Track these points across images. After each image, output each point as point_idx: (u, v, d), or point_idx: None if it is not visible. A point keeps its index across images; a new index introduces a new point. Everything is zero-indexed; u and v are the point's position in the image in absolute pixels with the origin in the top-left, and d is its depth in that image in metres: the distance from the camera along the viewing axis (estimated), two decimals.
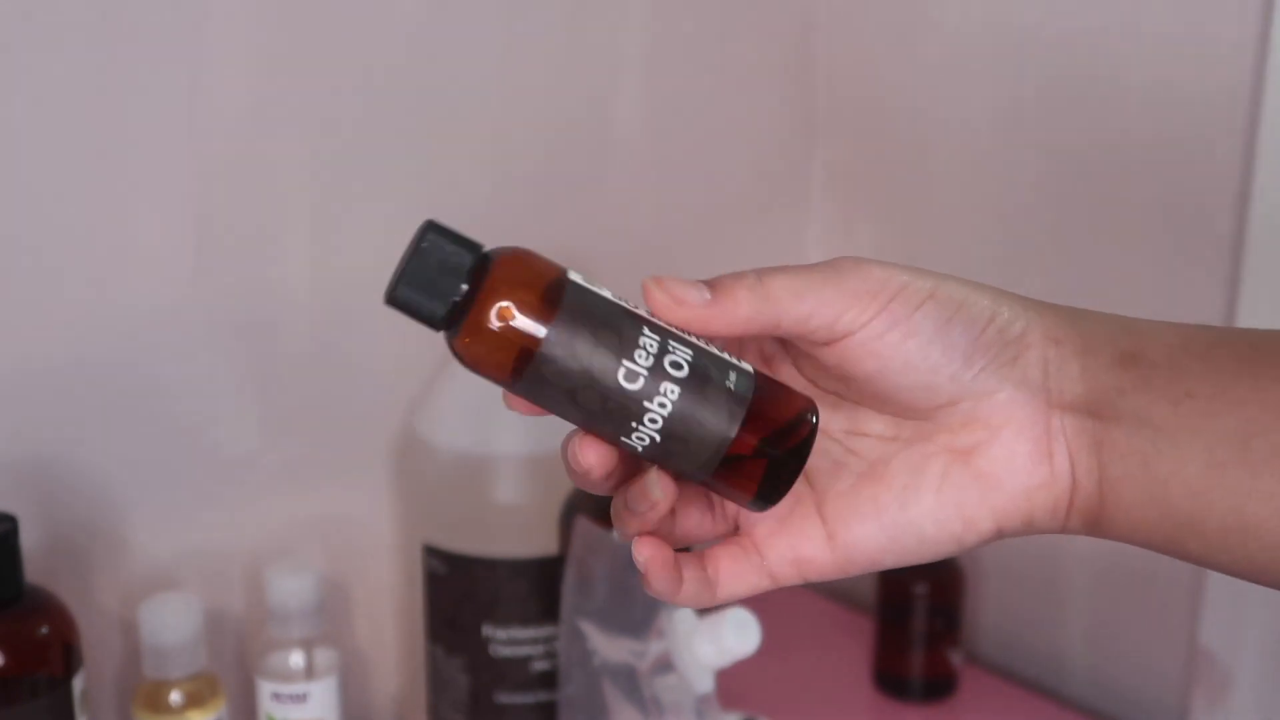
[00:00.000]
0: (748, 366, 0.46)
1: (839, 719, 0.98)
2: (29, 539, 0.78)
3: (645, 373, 0.44)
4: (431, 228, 0.45)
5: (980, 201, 1.01)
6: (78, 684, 0.75)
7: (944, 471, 0.48)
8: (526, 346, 0.44)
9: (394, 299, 0.44)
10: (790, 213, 1.12)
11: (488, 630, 0.87)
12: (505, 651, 0.87)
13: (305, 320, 0.89)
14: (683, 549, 0.49)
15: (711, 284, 0.46)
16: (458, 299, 0.44)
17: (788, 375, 0.50)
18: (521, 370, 0.44)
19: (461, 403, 0.88)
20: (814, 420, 0.46)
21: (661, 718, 0.79)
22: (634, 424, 0.44)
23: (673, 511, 0.48)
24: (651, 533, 0.47)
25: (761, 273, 0.46)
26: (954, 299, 0.46)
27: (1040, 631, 1.02)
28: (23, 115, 0.78)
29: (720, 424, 0.45)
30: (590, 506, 0.83)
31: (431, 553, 0.88)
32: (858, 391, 0.48)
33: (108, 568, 0.85)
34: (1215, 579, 0.90)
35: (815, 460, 0.49)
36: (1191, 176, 0.89)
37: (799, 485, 0.49)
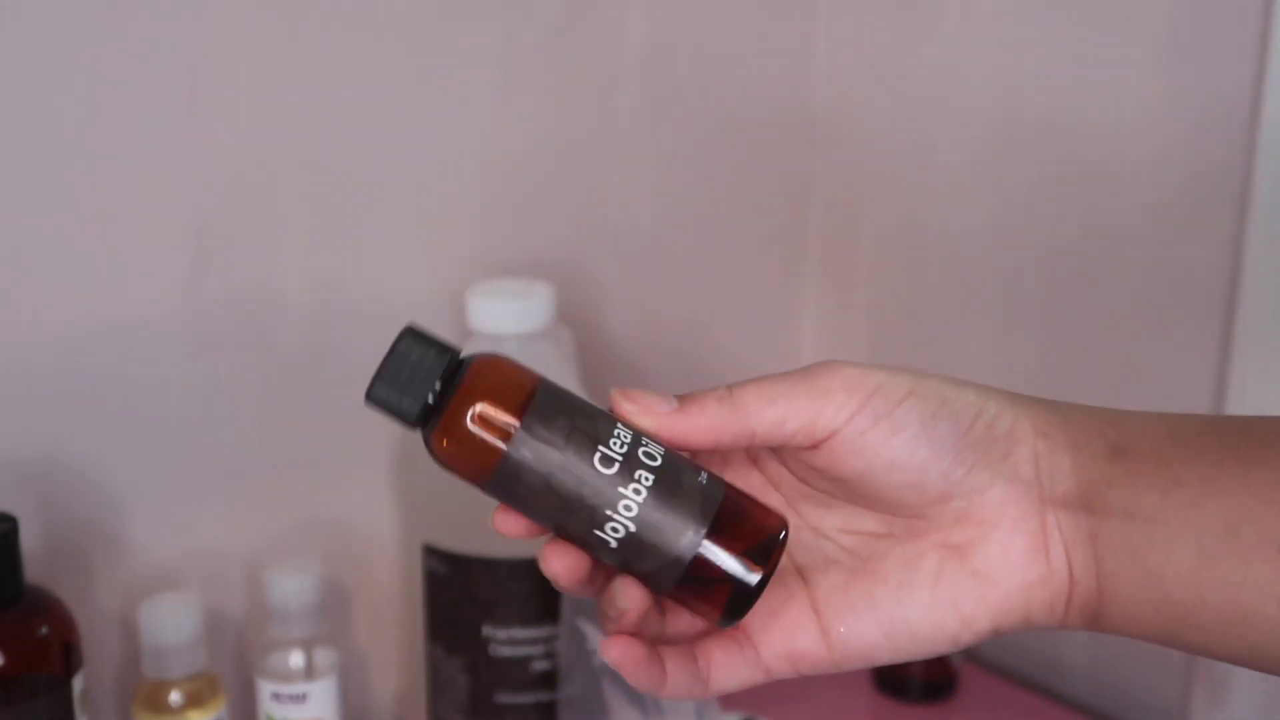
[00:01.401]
0: (719, 476, 0.47)
1: (839, 719, 0.98)
2: (29, 539, 0.78)
3: (620, 458, 0.45)
4: (409, 332, 0.47)
5: (980, 210, 1.01)
6: (78, 684, 0.75)
7: (938, 569, 0.47)
8: (498, 448, 0.45)
9: (371, 397, 0.47)
10: (790, 211, 1.12)
11: (488, 630, 0.87)
12: (505, 651, 0.87)
13: (305, 320, 0.89)
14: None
15: (681, 396, 0.46)
16: (431, 400, 0.46)
17: (775, 474, 0.50)
18: (495, 468, 0.46)
19: None
20: (785, 532, 0.46)
21: (661, 718, 0.79)
22: (607, 513, 0.45)
23: (663, 611, 0.48)
24: (632, 632, 0.46)
25: (731, 385, 0.46)
26: (936, 394, 0.46)
27: (1040, 632, 1.02)
28: (22, 115, 0.78)
29: (690, 524, 0.45)
30: None
31: (431, 553, 0.88)
32: (848, 492, 0.48)
33: (108, 568, 0.85)
34: None
35: (807, 556, 0.49)
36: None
37: (791, 580, 0.49)
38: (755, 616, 0.48)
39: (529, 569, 0.86)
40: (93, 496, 0.84)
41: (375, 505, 0.94)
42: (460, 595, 0.87)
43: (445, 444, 0.46)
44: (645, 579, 0.46)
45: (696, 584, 0.46)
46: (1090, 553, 0.46)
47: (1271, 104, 0.81)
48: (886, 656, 0.48)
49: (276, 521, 0.91)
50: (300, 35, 0.86)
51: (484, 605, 0.86)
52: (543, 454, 0.45)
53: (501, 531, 0.47)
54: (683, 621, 0.49)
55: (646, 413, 0.46)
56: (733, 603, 0.46)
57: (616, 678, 0.80)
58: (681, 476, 0.45)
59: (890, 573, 0.48)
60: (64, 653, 0.74)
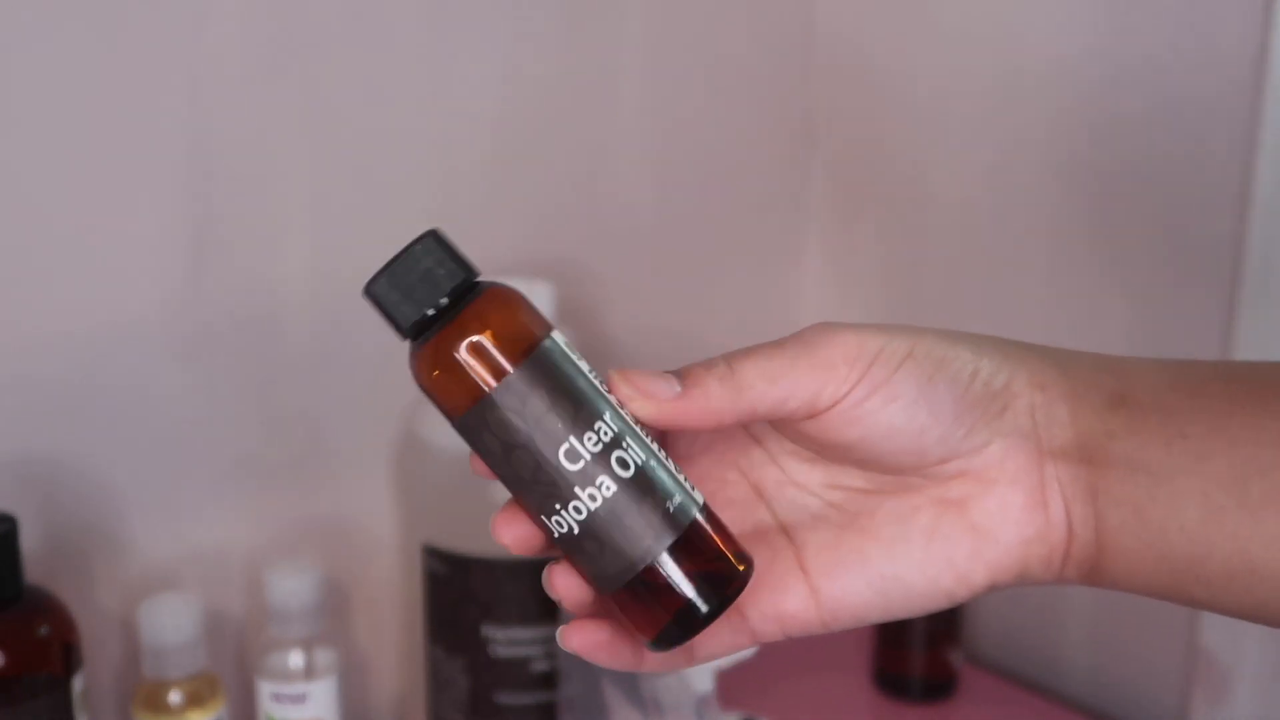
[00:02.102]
0: (698, 498, 0.44)
1: (839, 719, 0.98)
2: (29, 539, 0.78)
3: (588, 458, 0.42)
4: (432, 235, 0.43)
5: (979, 203, 1.01)
6: (77, 684, 0.75)
7: (933, 525, 0.46)
8: (482, 386, 0.42)
9: (370, 291, 0.43)
10: (790, 212, 1.12)
11: (488, 631, 0.87)
12: (505, 652, 0.87)
13: (305, 320, 0.89)
14: None
15: (682, 374, 0.44)
16: (432, 313, 0.43)
17: (759, 430, 0.48)
18: (467, 408, 0.43)
19: None
20: (747, 577, 0.44)
21: (661, 718, 0.79)
22: (558, 506, 0.43)
23: None
24: (591, 614, 0.45)
25: (731, 360, 0.44)
26: (933, 356, 0.45)
27: (1040, 631, 1.02)
28: (22, 116, 0.78)
29: (643, 542, 0.42)
30: None
31: (431, 553, 0.88)
32: (841, 456, 0.47)
33: (108, 568, 0.85)
34: None
35: (793, 513, 0.48)
36: (1191, 193, 0.88)
37: (777, 539, 0.47)
38: None
39: (529, 569, 0.86)
40: (93, 496, 0.84)
41: (375, 505, 0.94)
42: (460, 595, 0.87)
43: (429, 364, 0.43)
44: (587, 572, 0.44)
45: (638, 597, 0.43)
46: (1090, 506, 0.45)
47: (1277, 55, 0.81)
48: (878, 614, 0.47)
49: (276, 521, 0.91)
50: (300, 35, 0.86)
51: (484, 605, 0.86)
52: (512, 419, 0.42)
53: (473, 468, 0.44)
54: None
55: (647, 399, 0.44)
56: (671, 628, 0.43)
57: (616, 678, 0.80)
58: (667, 472, 0.43)
59: (882, 529, 0.46)
60: (64, 653, 0.74)
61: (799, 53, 1.09)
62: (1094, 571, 0.46)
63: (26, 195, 0.80)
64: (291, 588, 0.82)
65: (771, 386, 0.44)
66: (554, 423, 0.42)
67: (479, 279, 0.44)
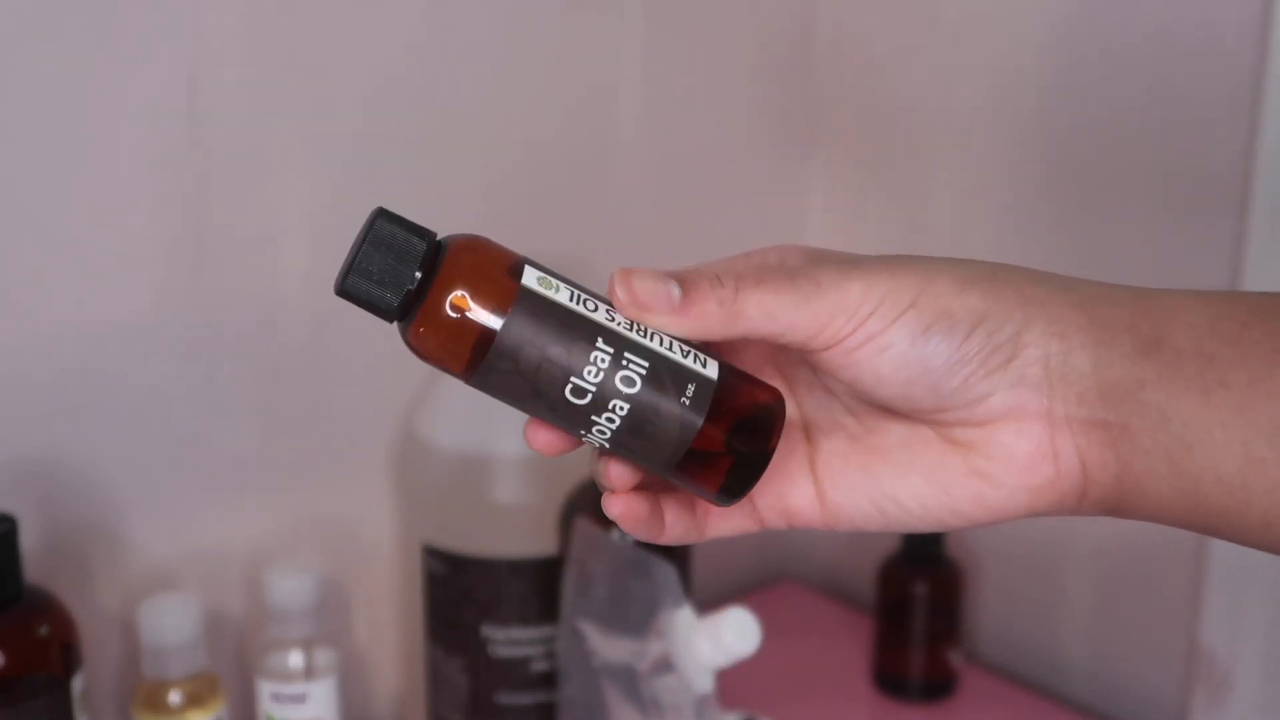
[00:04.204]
0: (711, 366, 0.45)
1: (839, 719, 0.98)
2: (29, 539, 0.78)
3: (594, 389, 0.43)
4: (382, 214, 0.44)
5: (981, 175, 1.01)
6: (77, 684, 0.75)
7: (939, 460, 0.47)
8: (482, 336, 0.43)
9: (344, 290, 0.43)
10: (790, 212, 1.12)
11: (487, 630, 0.87)
12: (505, 652, 0.87)
13: (305, 320, 0.89)
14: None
15: (683, 282, 0.45)
16: (411, 288, 0.43)
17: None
18: (476, 362, 0.43)
19: (461, 403, 0.88)
20: (781, 415, 0.46)
21: (661, 718, 0.79)
22: (583, 432, 0.44)
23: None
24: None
25: (740, 285, 0.45)
26: (936, 306, 0.44)
27: (1040, 631, 1.02)
28: (22, 115, 0.78)
29: (675, 432, 0.44)
30: (590, 506, 0.83)
31: (431, 553, 0.88)
32: (845, 390, 0.48)
33: (108, 568, 0.85)
34: (1215, 579, 0.90)
35: (817, 413, 0.49)
36: (1195, 144, 0.88)
37: (796, 434, 0.49)
38: None
39: (529, 569, 0.86)
40: (93, 496, 0.84)
41: (375, 505, 0.94)
42: (460, 595, 0.87)
43: (424, 334, 0.43)
44: (638, 467, 0.45)
45: (693, 468, 0.45)
46: (1112, 452, 0.44)
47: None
48: (876, 527, 0.48)
49: (276, 521, 0.91)
50: (299, 36, 0.86)
51: (483, 605, 0.86)
52: (526, 350, 0.42)
53: (528, 438, 0.46)
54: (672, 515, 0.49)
55: (642, 310, 0.44)
56: (731, 482, 0.45)
57: (616, 678, 0.80)
58: (672, 369, 0.44)
59: (891, 451, 0.48)
60: (64, 653, 0.74)
61: (799, 53, 1.09)
62: (1115, 508, 0.46)
63: (26, 195, 0.79)
64: (291, 588, 0.82)
65: (769, 321, 0.44)
66: (551, 367, 0.43)
67: (439, 238, 0.44)
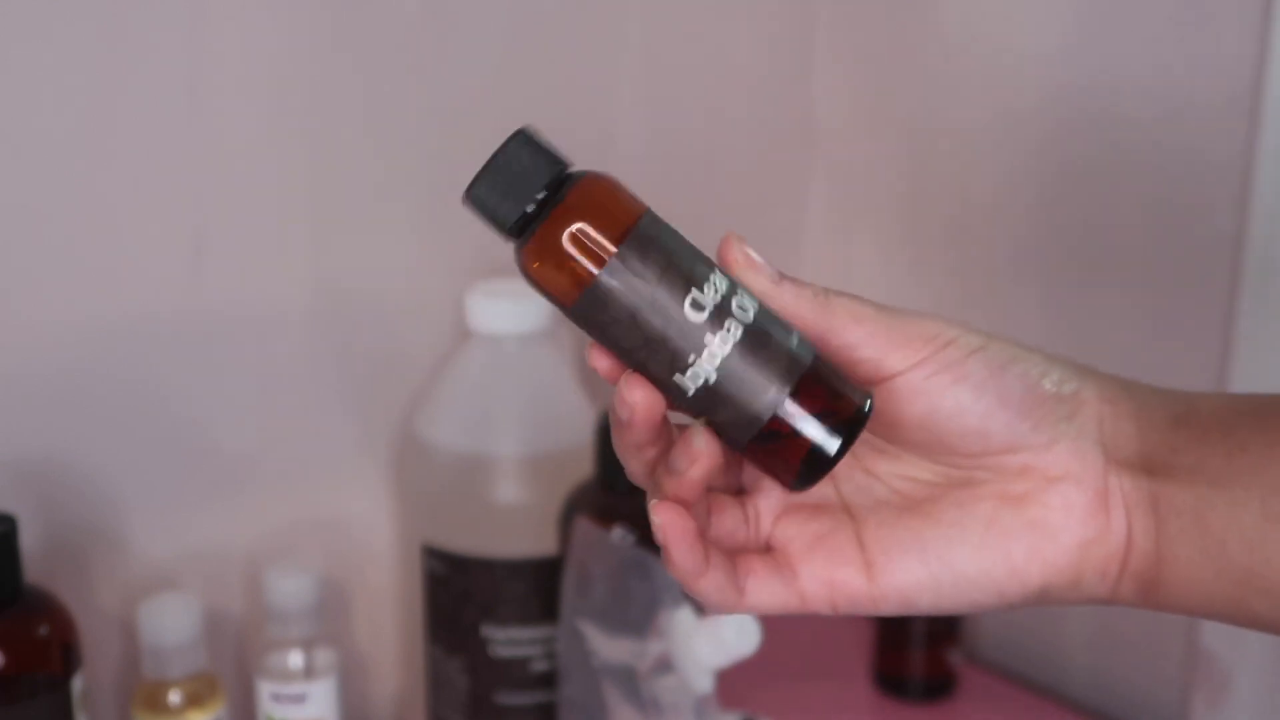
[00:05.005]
0: (809, 346, 0.46)
1: (839, 719, 0.98)
2: (29, 539, 0.78)
3: (710, 307, 0.44)
4: (521, 134, 0.45)
5: (979, 206, 1.01)
6: (77, 684, 0.75)
7: (993, 515, 0.47)
8: (589, 272, 0.43)
9: (470, 197, 0.45)
10: (790, 213, 1.12)
11: (487, 630, 0.87)
12: (505, 652, 0.87)
13: (305, 320, 0.89)
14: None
15: (780, 273, 0.47)
16: (531, 208, 0.44)
17: None
18: (580, 293, 0.44)
19: (461, 403, 0.88)
20: (869, 404, 0.46)
21: (661, 718, 0.79)
22: (692, 358, 0.44)
23: (708, 511, 0.48)
24: (687, 500, 0.45)
25: (829, 289, 0.47)
26: (1005, 353, 0.47)
27: (1040, 631, 1.02)
28: (22, 115, 0.78)
29: (774, 382, 0.44)
30: (590, 506, 0.83)
31: (431, 553, 0.88)
32: (906, 439, 0.48)
33: (108, 568, 0.85)
34: None
35: (858, 496, 0.49)
36: (1191, 201, 0.88)
37: (838, 514, 0.49)
38: (799, 541, 0.48)
39: (529, 569, 0.86)
40: (93, 496, 0.84)
41: (375, 505, 0.94)
42: (460, 595, 0.87)
43: (536, 258, 0.44)
44: (720, 430, 0.45)
45: (773, 443, 0.45)
46: (1152, 516, 0.46)
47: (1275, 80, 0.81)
48: (928, 600, 0.47)
49: (276, 521, 0.91)
50: (299, 36, 0.86)
51: (483, 605, 0.86)
52: (634, 286, 0.43)
53: (592, 365, 0.45)
54: (725, 527, 0.48)
55: (751, 269, 0.46)
56: (807, 467, 0.45)
57: (616, 678, 0.80)
58: (772, 333, 0.44)
59: (943, 514, 0.48)
60: (63, 653, 0.74)
61: (799, 53, 1.09)
62: (1152, 586, 0.47)
63: (27, 196, 0.80)
64: (291, 588, 0.82)
65: (854, 324, 0.46)
66: (674, 277, 0.44)
67: (572, 169, 0.45)
